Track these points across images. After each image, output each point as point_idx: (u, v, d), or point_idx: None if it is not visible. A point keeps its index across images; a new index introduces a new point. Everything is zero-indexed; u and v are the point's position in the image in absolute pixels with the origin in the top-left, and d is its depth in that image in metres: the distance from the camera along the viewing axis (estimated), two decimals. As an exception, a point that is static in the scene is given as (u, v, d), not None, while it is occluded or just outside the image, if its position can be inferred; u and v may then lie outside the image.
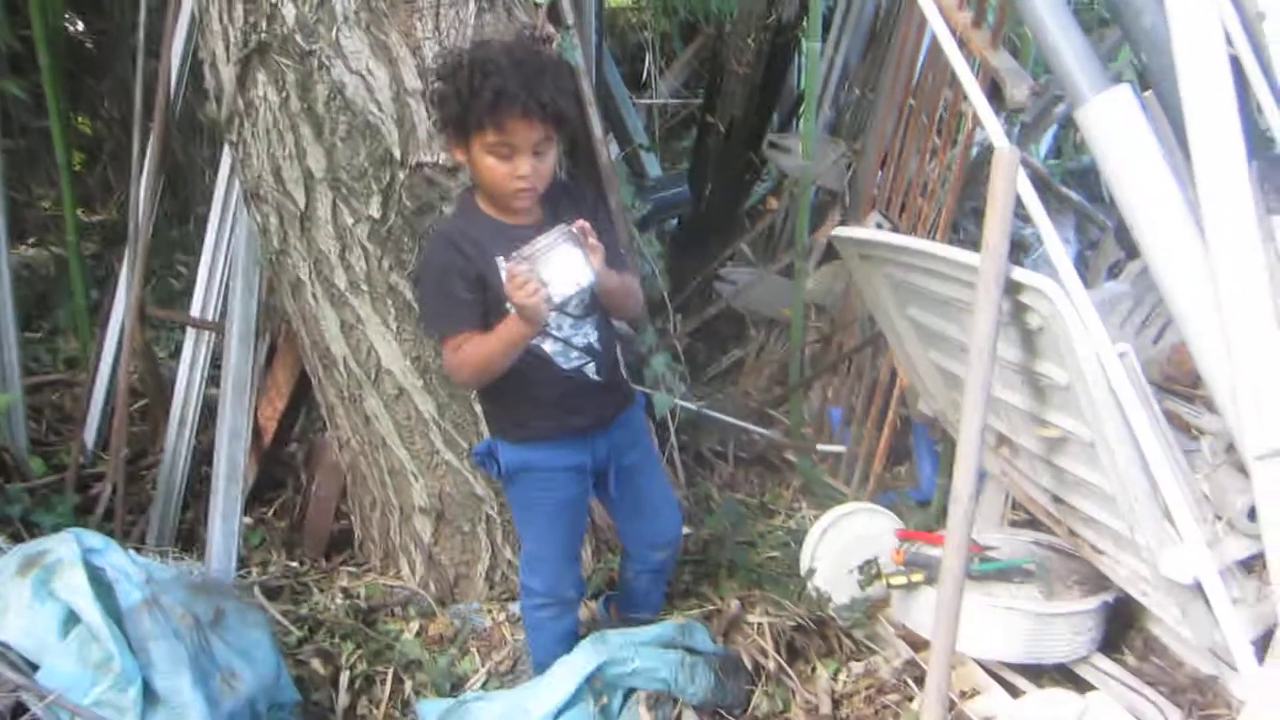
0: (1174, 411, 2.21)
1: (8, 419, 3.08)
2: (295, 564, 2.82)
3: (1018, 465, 2.38)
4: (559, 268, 1.79)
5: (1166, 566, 1.90)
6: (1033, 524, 2.58)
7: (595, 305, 2.05)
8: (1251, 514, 1.92)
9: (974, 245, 2.00)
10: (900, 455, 3.30)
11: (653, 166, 4.38)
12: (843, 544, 2.56)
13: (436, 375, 2.43)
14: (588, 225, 1.83)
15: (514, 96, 1.81)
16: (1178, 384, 2.34)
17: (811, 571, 2.58)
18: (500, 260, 1.92)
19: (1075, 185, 4.25)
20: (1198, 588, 1.89)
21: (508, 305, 1.87)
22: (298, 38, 2.19)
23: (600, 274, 1.84)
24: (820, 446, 3.33)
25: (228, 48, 2.29)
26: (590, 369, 2.06)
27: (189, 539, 2.91)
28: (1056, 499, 2.29)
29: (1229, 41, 1.94)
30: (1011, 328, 2.02)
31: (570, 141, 2.79)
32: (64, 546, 1.94)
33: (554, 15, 2.71)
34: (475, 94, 1.82)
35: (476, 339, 1.92)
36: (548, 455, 2.08)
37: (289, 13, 2.19)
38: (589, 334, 2.04)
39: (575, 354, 2.04)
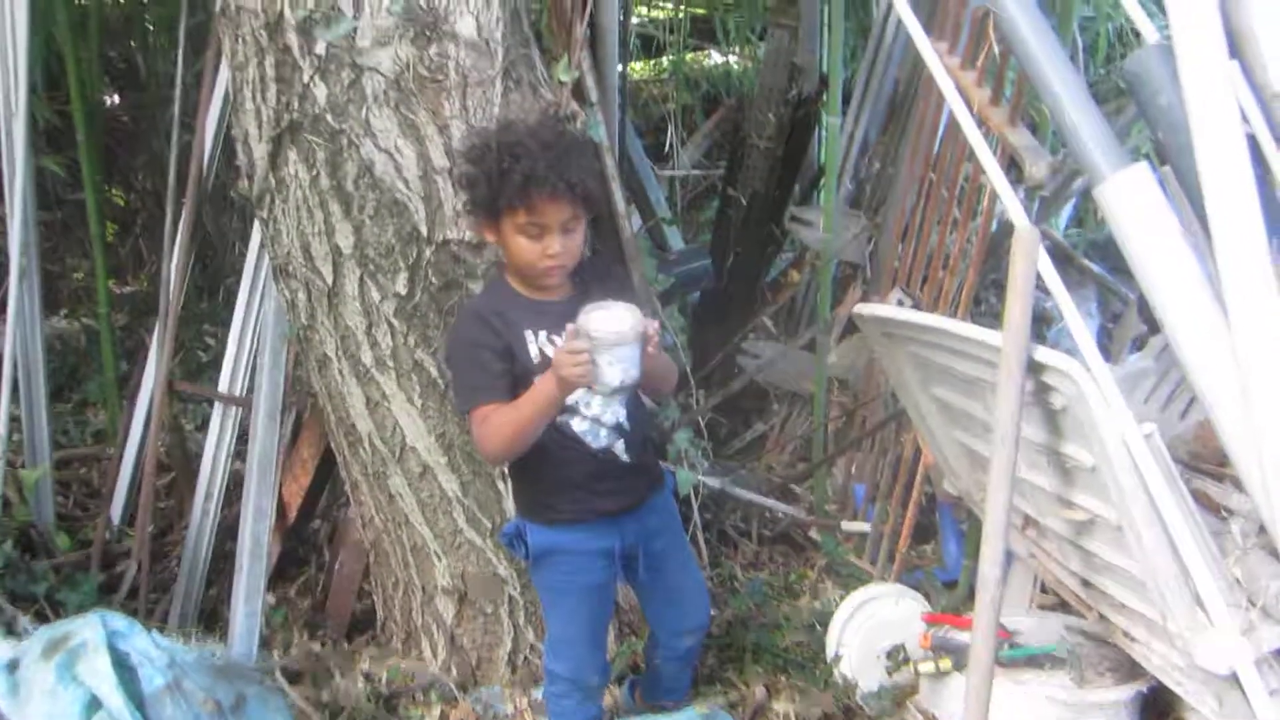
0: (1202, 490, 2.18)
1: (36, 495, 3.10)
2: (317, 645, 2.81)
3: (1045, 547, 2.35)
4: (615, 360, 1.80)
5: (1200, 656, 1.85)
6: (1062, 608, 2.52)
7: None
8: (1286, 600, 1.88)
9: (996, 317, 2.00)
10: (926, 533, 3.25)
11: (675, 239, 4.42)
12: (869, 628, 2.52)
13: (460, 452, 2.44)
14: (656, 331, 1.84)
15: (543, 178, 1.84)
16: (1205, 461, 2.31)
17: (838, 657, 2.53)
18: (529, 334, 1.96)
19: (1097, 257, 4.24)
20: (1234, 678, 1.85)
21: (535, 379, 1.90)
22: (329, 117, 2.24)
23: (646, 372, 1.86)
24: (844, 525, 3.29)
25: (260, 126, 2.34)
26: (619, 447, 2.05)
27: (212, 617, 2.91)
28: (1086, 583, 2.25)
29: (1245, 120, 1.94)
30: (1035, 408, 2.00)
31: (593, 216, 2.82)
32: (89, 630, 1.95)
33: (578, 92, 2.76)
34: (504, 176, 1.85)
35: (505, 407, 1.92)
36: (576, 538, 2.07)
37: (320, 93, 2.24)
38: (618, 412, 2.04)
39: (605, 432, 2.03)
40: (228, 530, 2.99)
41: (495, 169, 1.87)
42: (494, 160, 1.87)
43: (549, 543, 2.07)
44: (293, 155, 2.31)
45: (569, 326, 1.84)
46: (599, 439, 2.03)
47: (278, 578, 3.03)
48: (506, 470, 2.35)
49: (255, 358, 2.97)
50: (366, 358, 2.41)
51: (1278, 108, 1.96)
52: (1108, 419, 1.83)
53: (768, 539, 3.40)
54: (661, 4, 6.72)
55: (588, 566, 2.09)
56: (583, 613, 2.15)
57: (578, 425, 2.01)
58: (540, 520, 2.08)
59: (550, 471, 2.03)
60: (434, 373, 2.39)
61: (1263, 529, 1.96)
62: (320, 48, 2.21)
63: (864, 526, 3.22)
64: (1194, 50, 1.92)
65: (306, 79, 2.24)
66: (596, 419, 2.02)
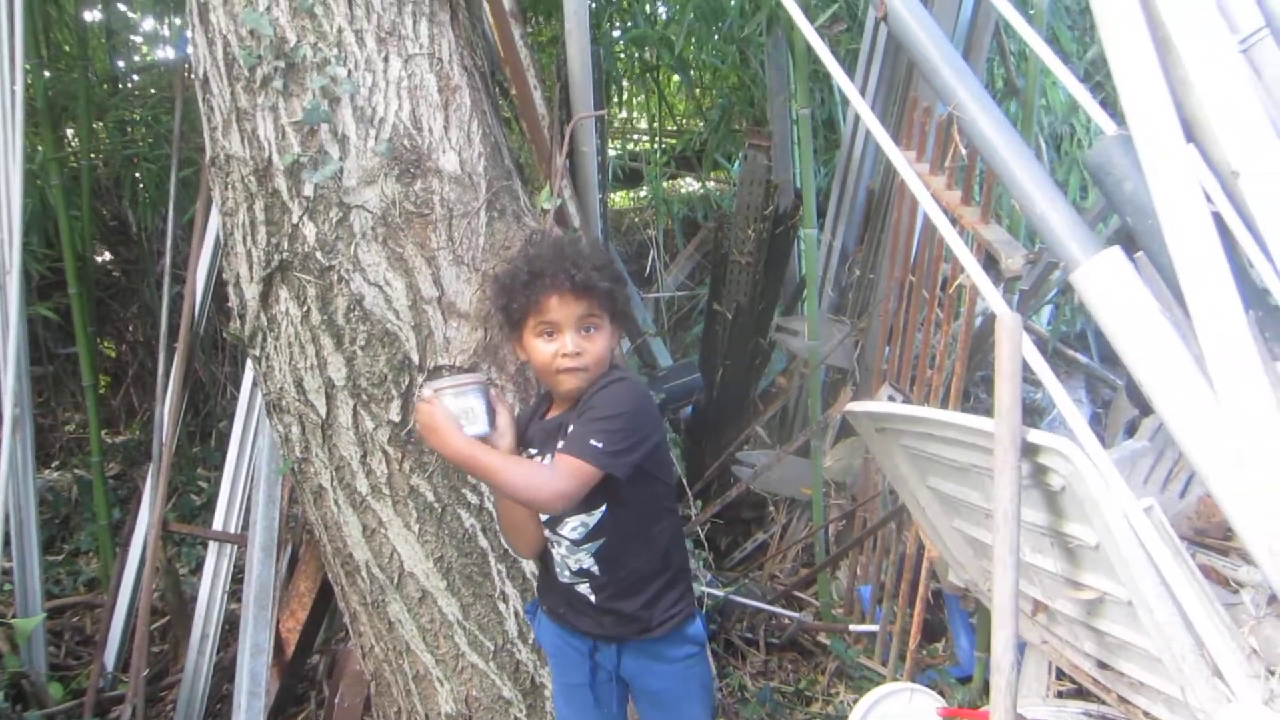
0: (1209, 565, 2.16)
1: (28, 645, 3.04)
2: (319, 782, 2.73)
3: (1057, 632, 2.32)
4: (462, 410, 1.83)
5: (1225, 729, 1.81)
6: (1080, 694, 2.47)
7: (598, 536, 1.96)
8: (1306, 668, 1.85)
9: (987, 412, 2.01)
10: (936, 631, 3.22)
11: (663, 356, 4.46)
12: (885, 727, 2.46)
13: (460, 575, 2.41)
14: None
15: (550, 276, 1.87)
16: (1210, 537, 2.30)
17: (856, 759, 2.46)
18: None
19: (1080, 349, 4.30)
20: (1261, 750, 1.80)
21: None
22: (318, 255, 2.29)
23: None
24: (853, 627, 3.25)
25: (251, 267, 2.39)
26: (584, 589, 2.00)
27: (209, 761, 2.83)
28: (1101, 665, 2.21)
29: (1209, 199, 2.00)
30: (1034, 490, 2.00)
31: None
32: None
33: (561, 219, 2.83)
34: (520, 284, 1.89)
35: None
36: (555, 629, 2.08)
37: (310, 232, 2.29)
38: (583, 560, 1.98)
39: (568, 573, 2.01)
40: (224, 672, 2.94)
41: (513, 279, 1.91)
42: (512, 272, 1.92)
43: (540, 626, 2.13)
44: (284, 293, 2.35)
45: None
46: (565, 575, 2.02)
47: (276, 716, 2.94)
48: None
49: (250, 495, 2.96)
50: (362, 486, 2.40)
51: (1237, 185, 2.02)
52: (1106, 494, 1.83)
53: (776, 646, 3.34)
54: (637, 136, 6.93)
55: (564, 663, 2.08)
56: (562, 709, 2.13)
57: (554, 552, 2.02)
58: (539, 603, 2.13)
59: (544, 564, 2.07)
60: (430, 497, 2.38)
61: (1274, 598, 1.95)
62: (308, 189, 2.28)
63: (872, 628, 3.18)
64: (1152, 138, 1.99)
65: (296, 219, 2.30)
66: (563, 559, 2.00)
